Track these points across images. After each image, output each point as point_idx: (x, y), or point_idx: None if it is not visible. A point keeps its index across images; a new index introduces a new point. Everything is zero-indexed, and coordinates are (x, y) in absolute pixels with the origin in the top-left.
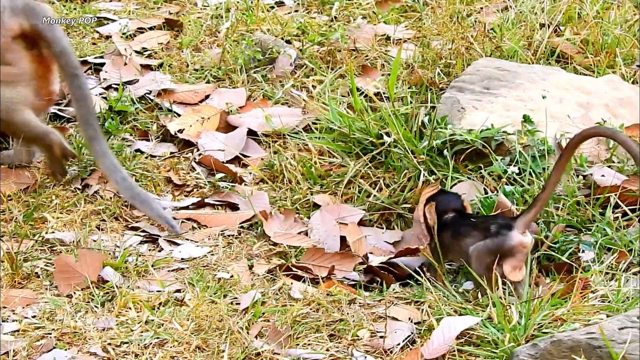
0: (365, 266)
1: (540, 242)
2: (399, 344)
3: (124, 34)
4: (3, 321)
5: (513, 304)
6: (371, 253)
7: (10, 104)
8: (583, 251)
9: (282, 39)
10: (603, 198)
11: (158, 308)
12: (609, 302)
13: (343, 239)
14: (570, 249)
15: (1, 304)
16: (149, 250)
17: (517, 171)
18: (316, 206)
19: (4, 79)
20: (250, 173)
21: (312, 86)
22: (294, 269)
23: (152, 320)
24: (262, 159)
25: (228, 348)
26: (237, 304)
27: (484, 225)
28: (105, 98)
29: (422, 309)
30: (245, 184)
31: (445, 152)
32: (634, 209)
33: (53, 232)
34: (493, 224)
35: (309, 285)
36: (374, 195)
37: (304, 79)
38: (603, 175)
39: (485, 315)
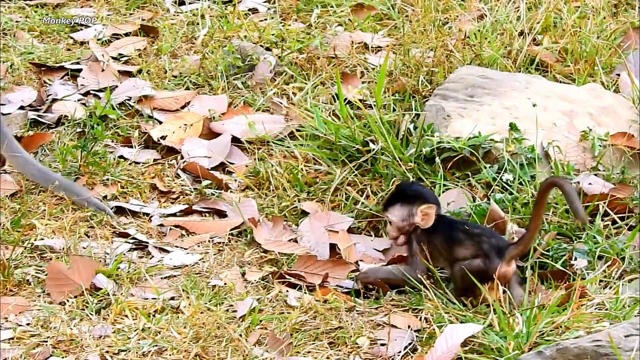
0: (357, 273)
1: (534, 249)
2: (400, 352)
3: (99, 39)
4: None
5: (515, 310)
6: (361, 260)
7: None
8: (576, 259)
9: (262, 46)
10: (592, 206)
11: (154, 315)
12: (606, 309)
13: (332, 247)
14: (564, 256)
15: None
16: (139, 257)
17: (511, 178)
18: (304, 213)
19: None
20: (236, 180)
21: (293, 93)
22: (287, 276)
23: (149, 327)
24: (246, 166)
25: (228, 356)
26: (233, 311)
27: (477, 240)
28: (84, 104)
29: (421, 317)
30: (231, 191)
31: (435, 159)
32: (622, 217)
33: (42, 239)
34: (486, 243)
35: (304, 292)
36: (362, 203)
37: (284, 86)
38: (590, 184)
39: (486, 323)
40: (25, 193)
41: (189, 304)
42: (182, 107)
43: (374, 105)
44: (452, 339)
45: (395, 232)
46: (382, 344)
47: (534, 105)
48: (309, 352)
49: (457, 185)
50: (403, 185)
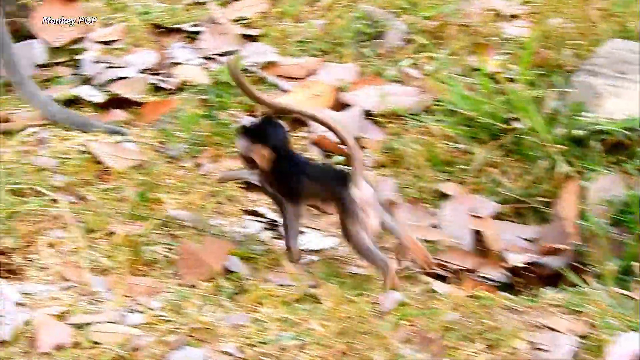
0: (507, 266)
1: None
2: None
3: (218, 0)
4: (128, 312)
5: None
6: (507, 250)
7: None
8: None
9: (390, 11)
10: None
11: (291, 304)
12: None
13: (476, 234)
14: None
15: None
16: (272, 238)
17: None
18: (443, 195)
19: None
20: (369, 156)
21: (424, 63)
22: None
23: (288, 318)
24: (379, 141)
25: (376, 355)
26: (374, 303)
27: (324, 176)
28: (205, 69)
29: (584, 320)
30: (365, 168)
31: (585, 141)
32: None
33: (172, 215)
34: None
35: (452, 285)
36: (506, 186)
37: (414, 55)
38: None
39: None
40: (151, 165)
41: (330, 294)
42: (308, 75)
43: (515, 79)
44: (628, 351)
45: (242, 160)
46: (542, 349)
47: None
48: (463, 356)
49: (610, 171)
50: (260, 119)
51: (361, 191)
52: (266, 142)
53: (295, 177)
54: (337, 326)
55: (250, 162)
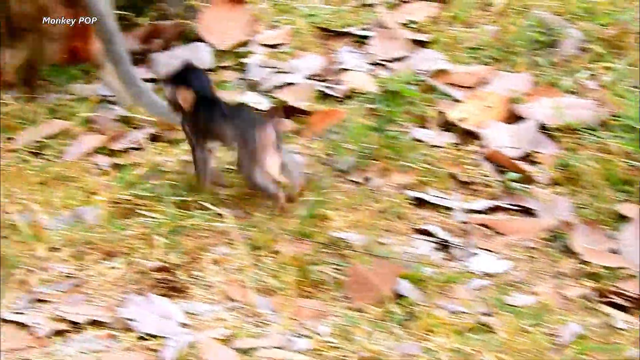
0: None
1: None
2: None
3: (387, 3)
4: (295, 336)
5: None
6: None
7: None
8: None
9: (565, 18)
10: None
11: (463, 334)
12: None
13: None
14: None
15: None
16: (443, 259)
17: None
18: (622, 217)
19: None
20: (543, 172)
21: (602, 74)
22: (610, 295)
23: (460, 349)
24: (554, 156)
25: None
26: (551, 334)
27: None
28: (374, 76)
29: None
30: (539, 186)
31: None
32: None
33: (339, 233)
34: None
35: (633, 316)
36: None
37: (591, 65)
38: None
39: None
40: (319, 179)
41: (504, 323)
42: (479, 84)
43: None
44: None
45: (169, 103)
46: None
47: None
48: None
49: None
50: (184, 64)
51: (265, 134)
52: (189, 86)
53: (213, 116)
54: (513, 359)
55: (175, 105)
